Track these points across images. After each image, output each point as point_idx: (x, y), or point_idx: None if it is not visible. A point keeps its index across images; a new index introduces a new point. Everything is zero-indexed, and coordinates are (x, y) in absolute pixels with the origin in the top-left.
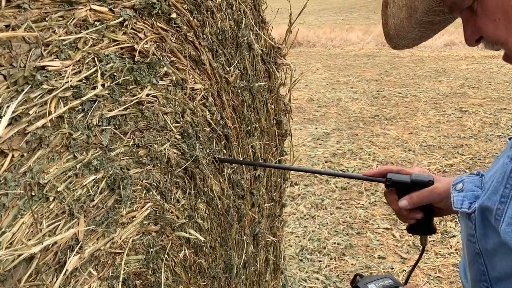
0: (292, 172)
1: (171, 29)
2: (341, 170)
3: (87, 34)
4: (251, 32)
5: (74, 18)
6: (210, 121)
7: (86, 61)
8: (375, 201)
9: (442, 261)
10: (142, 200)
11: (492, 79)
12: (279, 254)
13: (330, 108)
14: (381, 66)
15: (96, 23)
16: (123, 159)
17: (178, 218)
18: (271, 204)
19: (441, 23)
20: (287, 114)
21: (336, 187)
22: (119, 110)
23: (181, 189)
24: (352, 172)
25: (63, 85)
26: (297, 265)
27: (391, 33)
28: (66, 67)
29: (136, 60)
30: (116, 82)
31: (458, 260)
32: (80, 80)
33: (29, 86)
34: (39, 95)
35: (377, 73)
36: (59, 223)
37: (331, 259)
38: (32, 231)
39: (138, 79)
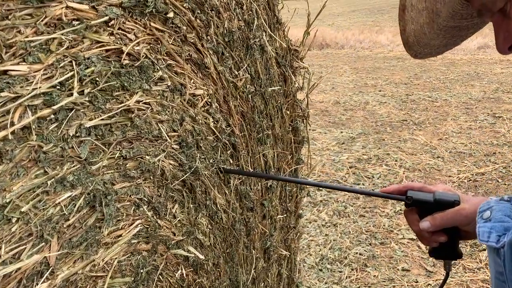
0: (312, 178)
1: (168, 30)
2: (366, 177)
3: (62, 34)
4: (264, 34)
5: (45, 17)
6: (214, 129)
7: (61, 65)
8: (400, 210)
9: (471, 276)
10: (131, 217)
11: None
12: (294, 268)
13: (357, 111)
14: (410, 69)
15: (74, 22)
16: (107, 173)
17: (174, 235)
18: (285, 215)
19: (469, 28)
20: (305, 120)
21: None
22: (102, 119)
23: (179, 203)
24: (378, 178)
25: (30, 92)
26: (316, 275)
27: (410, 40)
28: (35, 71)
29: (124, 63)
30: (98, 88)
31: (488, 276)
32: (53, 86)
33: None
34: None
35: (406, 76)
36: (24, 247)
37: (352, 270)
38: None
39: (126, 84)
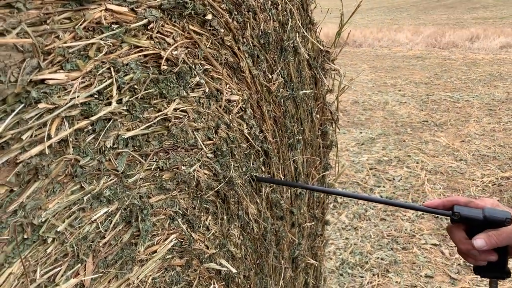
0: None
1: (206, 33)
2: (386, 179)
3: (101, 39)
4: (297, 35)
5: (84, 20)
6: (248, 136)
7: (99, 72)
8: (422, 214)
9: (501, 282)
10: (166, 231)
11: None
12: (320, 276)
13: (376, 111)
14: (431, 68)
15: (113, 26)
16: (143, 186)
17: (207, 248)
18: (313, 223)
19: None
20: (334, 124)
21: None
22: (140, 129)
23: (212, 214)
24: (399, 180)
25: (68, 102)
26: (337, 280)
27: None
28: (73, 80)
29: (162, 69)
30: (136, 96)
31: None
32: (91, 95)
33: (22, 105)
34: (35, 115)
35: (426, 75)
36: (59, 268)
37: (373, 275)
38: (23, 283)
39: (164, 91)
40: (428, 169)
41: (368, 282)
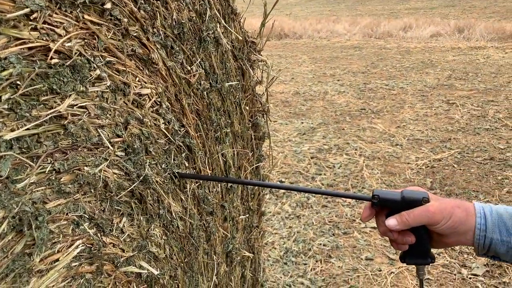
0: (274, 171)
1: (106, 23)
2: (327, 167)
3: None
4: (218, 25)
5: None
6: (165, 131)
7: None
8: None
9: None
10: (69, 237)
11: (478, 71)
12: (258, 267)
13: (317, 101)
14: (367, 58)
15: None
16: (37, 191)
17: (123, 251)
18: (248, 215)
19: None
20: (265, 115)
21: (322, 184)
22: (25, 129)
23: (127, 216)
24: (339, 167)
25: None
26: (281, 269)
27: None
28: None
29: (53, 63)
30: (21, 92)
31: (448, 261)
32: None
33: None
34: None
35: (363, 65)
36: None
37: (316, 261)
38: None
39: (55, 87)
40: (366, 155)
41: (311, 269)
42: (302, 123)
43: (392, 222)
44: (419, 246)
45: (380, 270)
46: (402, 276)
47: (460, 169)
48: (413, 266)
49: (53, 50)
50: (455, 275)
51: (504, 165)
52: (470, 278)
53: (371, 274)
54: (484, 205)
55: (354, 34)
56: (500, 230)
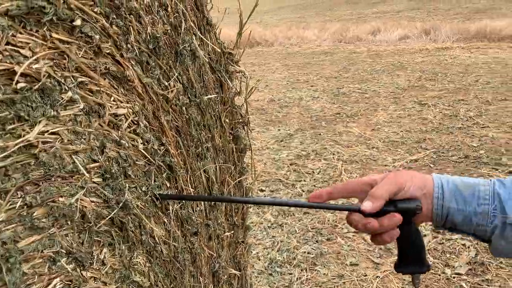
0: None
1: (76, 41)
2: (306, 173)
3: None
4: (194, 37)
5: None
6: (144, 151)
7: None
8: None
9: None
10: (45, 276)
11: (447, 71)
12: (245, 283)
13: (292, 108)
14: (339, 62)
15: None
16: (6, 230)
17: (106, 284)
18: (233, 231)
19: None
20: (245, 127)
21: (303, 191)
22: None
23: (107, 246)
24: (318, 173)
25: None
26: (266, 281)
27: None
28: None
29: (19, 87)
30: None
31: (432, 262)
32: None
33: None
34: None
35: (335, 70)
36: None
37: (302, 270)
38: None
39: (23, 114)
40: (344, 159)
41: (297, 278)
42: (279, 130)
43: (367, 204)
44: (414, 253)
45: (366, 275)
46: (388, 279)
47: (437, 169)
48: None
49: (18, 74)
50: (439, 275)
51: (478, 162)
52: (454, 277)
53: (357, 280)
54: (441, 176)
55: (324, 40)
56: (457, 200)
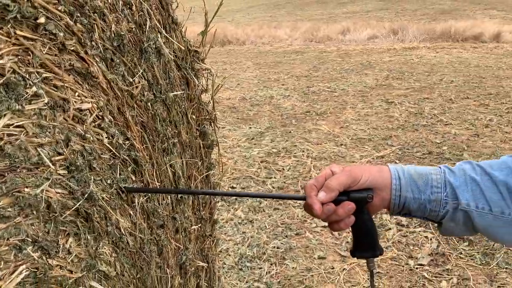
0: (225, 177)
1: (41, 38)
2: (277, 170)
3: None
4: (159, 35)
5: None
6: (109, 145)
7: None
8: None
9: (380, 256)
10: (11, 263)
11: (413, 70)
12: (213, 276)
13: (263, 106)
14: (309, 61)
15: None
16: None
17: (71, 273)
18: (200, 225)
19: None
20: (212, 123)
21: (273, 187)
22: None
23: (73, 236)
24: (288, 170)
25: None
26: (237, 275)
27: None
28: None
29: None
30: None
31: (396, 254)
32: None
33: None
34: None
35: (306, 69)
36: None
37: (271, 264)
38: None
39: None
40: (313, 156)
41: (267, 272)
42: (250, 128)
43: (321, 194)
44: (368, 239)
45: (333, 268)
46: (354, 271)
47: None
48: (364, 260)
49: None
50: (403, 266)
51: (441, 158)
52: (417, 268)
53: (325, 273)
54: (397, 167)
55: (295, 39)
56: (412, 189)
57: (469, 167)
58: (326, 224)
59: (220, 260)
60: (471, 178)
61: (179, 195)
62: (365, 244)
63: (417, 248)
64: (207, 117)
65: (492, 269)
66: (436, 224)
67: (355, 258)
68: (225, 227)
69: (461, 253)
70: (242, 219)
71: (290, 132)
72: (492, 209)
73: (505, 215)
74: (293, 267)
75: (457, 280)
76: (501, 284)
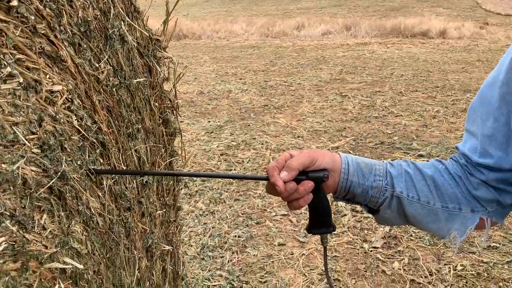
0: (185, 170)
1: (14, 20)
2: (237, 162)
3: None
4: (122, 23)
5: None
6: (78, 127)
7: None
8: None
9: (337, 240)
10: None
11: (366, 65)
12: (178, 261)
13: (221, 100)
14: (266, 56)
15: None
16: None
17: (46, 248)
18: (164, 210)
19: None
20: (175, 111)
21: (233, 179)
22: None
23: (47, 212)
24: (248, 162)
25: None
26: (199, 265)
27: None
28: None
29: None
30: None
31: (351, 238)
32: None
33: None
34: None
35: (263, 63)
36: None
37: (233, 253)
38: None
39: None
40: (272, 148)
41: (228, 261)
42: (209, 121)
43: (283, 173)
44: (322, 217)
45: (292, 254)
46: (312, 256)
47: (356, 154)
48: (319, 243)
49: None
50: (358, 250)
51: (392, 147)
52: (371, 251)
53: (285, 258)
54: (347, 155)
55: (251, 34)
56: (358, 175)
57: (405, 164)
58: (286, 212)
59: (183, 251)
60: (405, 171)
61: (144, 180)
62: (321, 222)
63: (371, 232)
64: (169, 105)
65: (439, 249)
66: (372, 215)
67: (316, 245)
68: (186, 219)
69: (411, 235)
70: (204, 211)
71: (249, 125)
72: (420, 199)
73: (430, 205)
74: (254, 255)
75: (408, 260)
76: (448, 262)
